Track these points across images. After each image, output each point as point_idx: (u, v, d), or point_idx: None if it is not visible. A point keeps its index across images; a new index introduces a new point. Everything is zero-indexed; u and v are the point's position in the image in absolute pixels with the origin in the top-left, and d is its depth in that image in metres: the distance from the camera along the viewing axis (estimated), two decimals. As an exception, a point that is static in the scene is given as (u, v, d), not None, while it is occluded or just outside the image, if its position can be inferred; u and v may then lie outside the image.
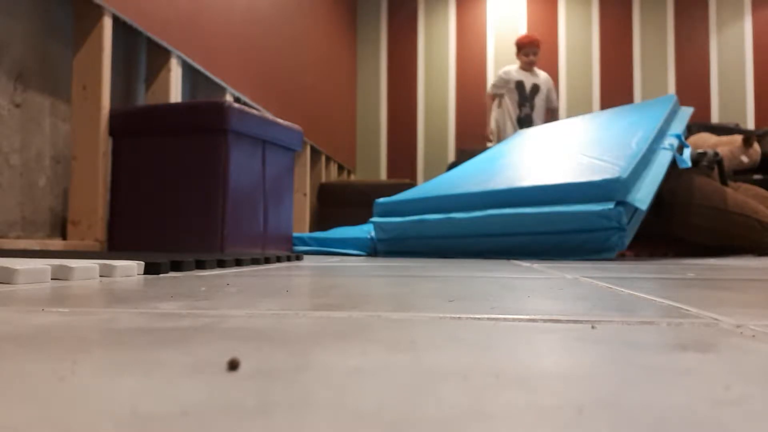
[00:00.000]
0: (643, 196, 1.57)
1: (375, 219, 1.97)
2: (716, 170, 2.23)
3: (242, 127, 1.60)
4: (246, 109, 1.63)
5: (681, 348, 0.27)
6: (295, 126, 1.88)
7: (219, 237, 1.54)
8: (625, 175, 1.54)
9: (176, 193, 1.58)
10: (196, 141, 1.59)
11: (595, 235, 1.55)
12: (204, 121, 1.57)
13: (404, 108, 4.40)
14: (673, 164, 2.00)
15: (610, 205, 1.51)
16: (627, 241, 1.54)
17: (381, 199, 2.00)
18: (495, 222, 1.67)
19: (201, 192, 1.57)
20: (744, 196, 2.11)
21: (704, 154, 2.16)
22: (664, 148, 1.84)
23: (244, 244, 1.62)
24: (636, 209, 1.59)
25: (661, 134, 1.90)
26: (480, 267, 1.06)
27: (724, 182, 2.22)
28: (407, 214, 1.89)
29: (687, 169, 2.06)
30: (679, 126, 2.07)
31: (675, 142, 1.89)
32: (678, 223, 2.07)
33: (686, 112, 2.25)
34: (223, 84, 2.29)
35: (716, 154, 2.17)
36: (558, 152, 1.94)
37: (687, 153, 1.92)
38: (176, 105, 1.63)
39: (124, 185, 1.65)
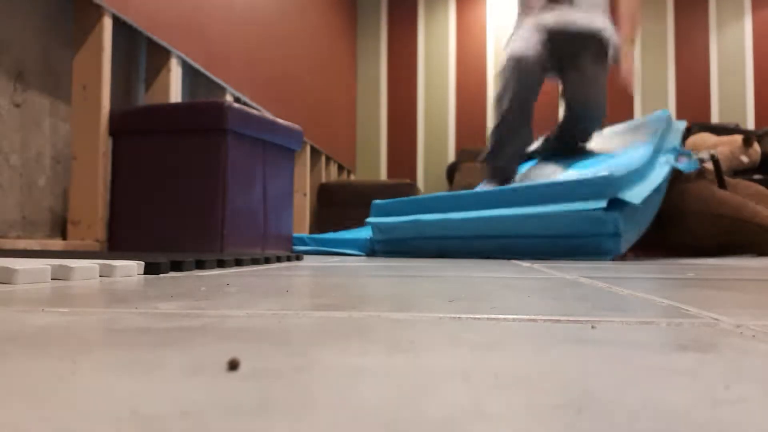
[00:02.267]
0: (636, 193, 1.56)
1: (372, 219, 1.96)
2: (714, 172, 2.22)
3: (242, 126, 1.60)
4: (245, 108, 1.63)
5: (681, 348, 0.27)
6: (295, 126, 1.88)
7: (218, 237, 1.54)
8: (617, 173, 1.54)
9: (176, 193, 1.58)
10: (195, 141, 1.59)
11: (590, 240, 1.54)
12: (203, 120, 1.57)
13: (404, 108, 4.40)
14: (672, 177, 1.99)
15: (603, 203, 1.50)
16: (623, 247, 1.53)
17: (378, 201, 1.99)
18: (488, 223, 1.66)
19: (200, 192, 1.57)
20: (742, 198, 2.10)
21: (701, 160, 2.15)
22: (661, 165, 1.83)
23: (243, 245, 1.62)
24: (636, 211, 1.58)
25: (658, 151, 1.89)
26: (480, 267, 1.06)
27: (721, 184, 2.20)
28: (404, 215, 1.89)
29: (682, 176, 2.05)
30: (674, 139, 2.06)
31: (672, 157, 1.88)
32: (677, 231, 2.07)
33: (679, 126, 2.25)
34: (223, 84, 2.29)
35: (712, 155, 2.16)
36: (550, 172, 1.95)
37: (693, 158, 1.91)
38: (175, 105, 1.63)
39: (123, 185, 1.65)
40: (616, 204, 1.53)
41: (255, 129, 1.66)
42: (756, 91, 4.15)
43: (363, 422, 0.16)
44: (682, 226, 2.06)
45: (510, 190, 1.66)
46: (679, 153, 1.94)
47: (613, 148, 2.07)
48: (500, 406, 0.17)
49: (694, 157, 2.15)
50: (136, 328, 0.31)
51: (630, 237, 1.60)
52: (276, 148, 1.80)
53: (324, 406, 0.17)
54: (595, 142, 2.22)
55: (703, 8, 4.23)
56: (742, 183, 2.25)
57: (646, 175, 1.73)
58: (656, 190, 1.74)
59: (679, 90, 4.21)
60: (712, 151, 2.20)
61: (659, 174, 1.76)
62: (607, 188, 1.52)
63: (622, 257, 1.86)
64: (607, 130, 2.39)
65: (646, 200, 1.67)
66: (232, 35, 2.36)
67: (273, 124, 1.75)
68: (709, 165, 2.20)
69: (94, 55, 1.62)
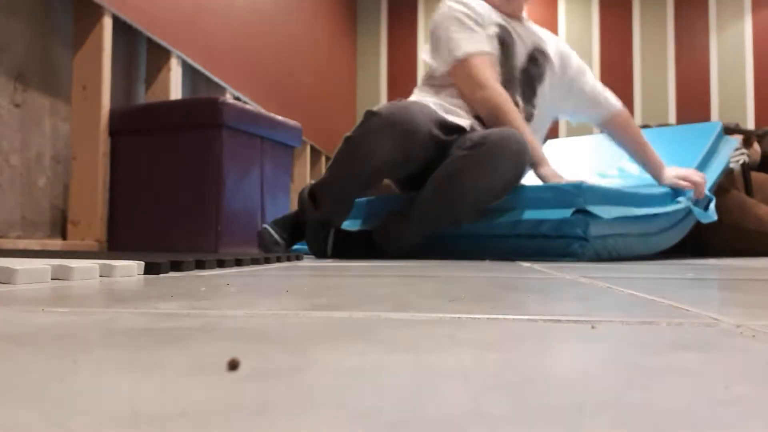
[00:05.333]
0: (610, 210, 1.51)
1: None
2: (741, 177, 2.19)
3: (238, 122, 1.60)
4: (242, 104, 1.63)
5: (681, 348, 0.27)
6: (294, 122, 1.88)
7: (213, 235, 1.54)
8: (588, 183, 1.49)
9: (173, 192, 1.58)
10: (191, 137, 1.59)
11: (558, 241, 1.51)
12: (199, 117, 1.57)
13: (404, 108, 4.40)
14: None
15: (567, 212, 1.46)
16: (590, 253, 1.48)
17: (360, 199, 1.91)
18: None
19: (196, 189, 1.56)
20: (765, 206, 2.09)
21: (731, 171, 2.12)
22: (676, 202, 1.76)
23: (240, 243, 1.62)
24: (628, 228, 1.54)
25: (679, 191, 1.80)
26: (480, 267, 1.06)
27: (748, 191, 2.17)
28: (377, 215, 1.76)
29: (713, 188, 1.95)
30: (712, 174, 1.95)
31: (692, 201, 1.78)
32: (703, 242, 2.04)
33: (729, 147, 2.13)
34: (223, 84, 2.29)
35: (743, 164, 2.13)
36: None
37: (712, 206, 1.81)
38: (172, 102, 1.64)
39: (122, 184, 1.65)
40: (587, 211, 1.49)
41: (252, 125, 1.66)
42: (756, 91, 4.15)
43: (363, 422, 0.16)
44: (715, 240, 2.04)
45: None
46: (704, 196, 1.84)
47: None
48: (500, 406, 0.17)
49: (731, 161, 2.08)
50: (136, 328, 0.31)
51: (609, 247, 1.56)
52: (274, 144, 1.79)
53: (324, 406, 0.17)
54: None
55: (703, 9, 4.23)
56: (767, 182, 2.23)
57: (643, 204, 1.65)
58: (654, 220, 1.68)
59: (679, 90, 4.21)
60: (744, 159, 2.17)
61: (660, 207, 1.69)
62: (576, 197, 1.47)
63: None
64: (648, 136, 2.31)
65: (637, 223, 1.63)
66: (232, 35, 2.36)
67: (270, 120, 1.75)
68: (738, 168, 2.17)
69: (94, 55, 1.62)
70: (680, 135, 2.23)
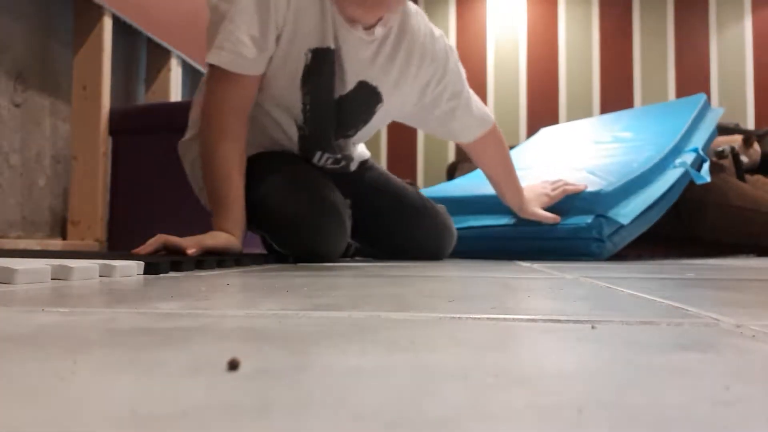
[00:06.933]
0: (628, 211, 1.54)
1: None
2: (732, 166, 2.21)
3: (241, 125, 1.60)
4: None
5: (681, 348, 0.27)
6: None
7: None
8: (608, 189, 1.53)
9: (173, 192, 1.58)
10: (192, 139, 1.59)
11: (574, 242, 1.54)
12: None
13: (404, 108, 4.40)
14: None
15: (588, 219, 1.50)
16: (609, 249, 1.52)
17: None
18: (473, 229, 1.66)
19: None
20: (762, 192, 2.10)
21: (722, 152, 2.13)
22: (674, 167, 1.79)
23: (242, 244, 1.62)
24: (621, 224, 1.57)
25: (674, 152, 1.82)
26: (480, 267, 1.06)
27: (740, 177, 2.19)
28: None
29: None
30: (701, 137, 1.99)
31: (690, 158, 1.81)
32: (695, 224, 2.05)
33: (715, 115, 2.18)
34: (223, 84, 2.29)
35: (732, 148, 2.15)
36: (565, 164, 1.90)
37: (706, 167, 1.85)
38: (174, 103, 1.63)
39: (122, 184, 1.65)
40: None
41: (254, 128, 1.66)
42: (756, 91, 4.15)
43: (363, 422, 0.16)
44: (701, 218, 2.05)
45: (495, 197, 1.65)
46: (698, 156, 1.89)
47: (632, 140, 2.01)
48: (500, 406, 0.17)
49: (717, 149, 2.10)
50: (136, 328, 0.31)
51: (620, 240, 1.58)
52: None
53: (324, 406, 0.17)
54: (617, 129, 2.15)
55: (703, 8, 4.23)
56: (761, 179, 2.25)
57: (650, 181, 1.69)
58: (660, 197, 1.70)
59: (679, 90, 4.22)
60: (733, 144, 2.18)
61: (666, 181, 1.71)
62: (596, 205, 1.52)
63: (624, 255, 1.85)
64: (637, 113, 2.32)
65: (644, 210, 1.64)
66: (232, 35, 2.36)
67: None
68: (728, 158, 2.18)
69: (94, 55, 1.62)
70: (665, 109, 2.27)
